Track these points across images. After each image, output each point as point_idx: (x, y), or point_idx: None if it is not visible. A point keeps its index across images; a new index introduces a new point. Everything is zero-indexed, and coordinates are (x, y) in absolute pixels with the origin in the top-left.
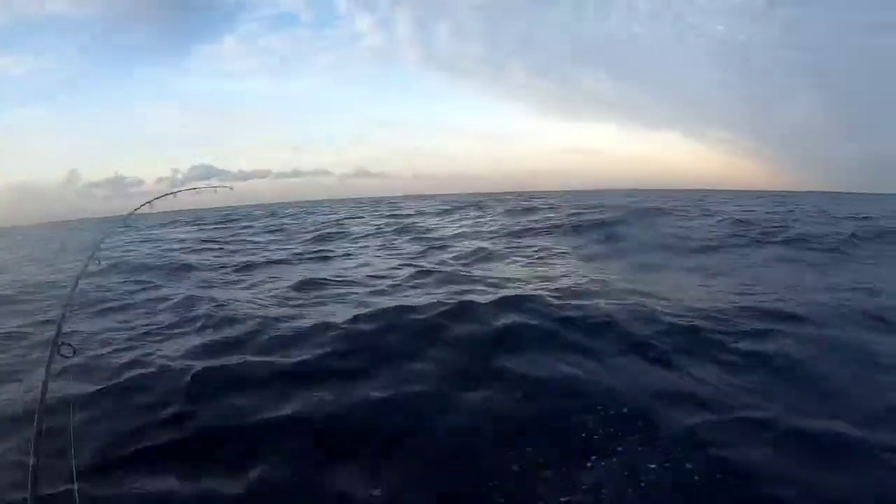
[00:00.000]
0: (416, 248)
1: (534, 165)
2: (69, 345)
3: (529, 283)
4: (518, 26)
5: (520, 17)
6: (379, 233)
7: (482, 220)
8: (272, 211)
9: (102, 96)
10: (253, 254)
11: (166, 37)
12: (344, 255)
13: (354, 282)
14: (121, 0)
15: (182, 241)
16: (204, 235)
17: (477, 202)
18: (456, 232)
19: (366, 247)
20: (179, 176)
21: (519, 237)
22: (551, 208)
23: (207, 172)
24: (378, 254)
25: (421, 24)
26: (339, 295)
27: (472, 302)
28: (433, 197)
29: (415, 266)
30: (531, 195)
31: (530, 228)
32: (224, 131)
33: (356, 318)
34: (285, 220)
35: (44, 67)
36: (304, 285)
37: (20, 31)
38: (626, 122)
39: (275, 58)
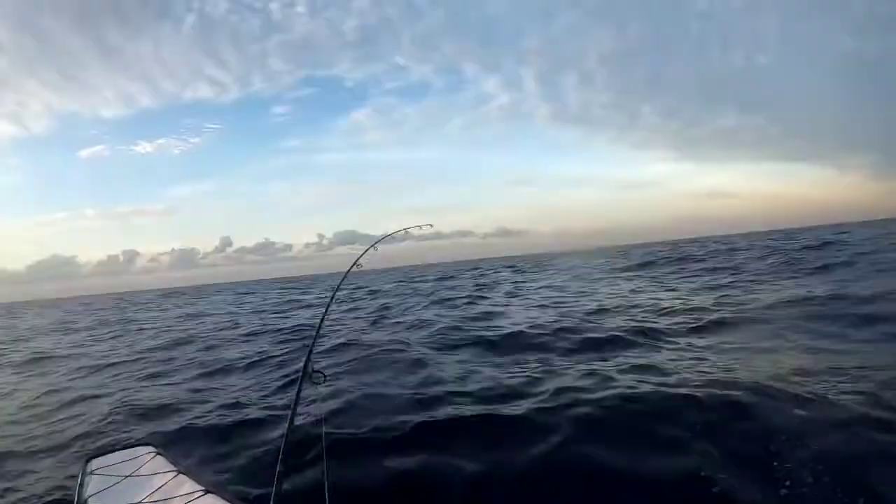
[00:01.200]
0: None
1: (674, 213)
2: (320, 373)
3: None
4: (644, 70)
5: (645, 62)
6: None
7: None
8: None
9: (247, 170)
10: None
11: (301, 116)
12: None
13: None
14: (255, 85)
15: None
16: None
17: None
18: None
19: None
20: (325, 241)
21: None
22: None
23: (351, 237)
24: None
25: (546, 78)
26: None
27: None
28: (589, 252)
29: None
30: (688, 243)
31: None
32: (364, 199)
33: None
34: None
35: (194, 147)
36: None
37: (174, 116)
38: (760, 160)
39: (407, 126)
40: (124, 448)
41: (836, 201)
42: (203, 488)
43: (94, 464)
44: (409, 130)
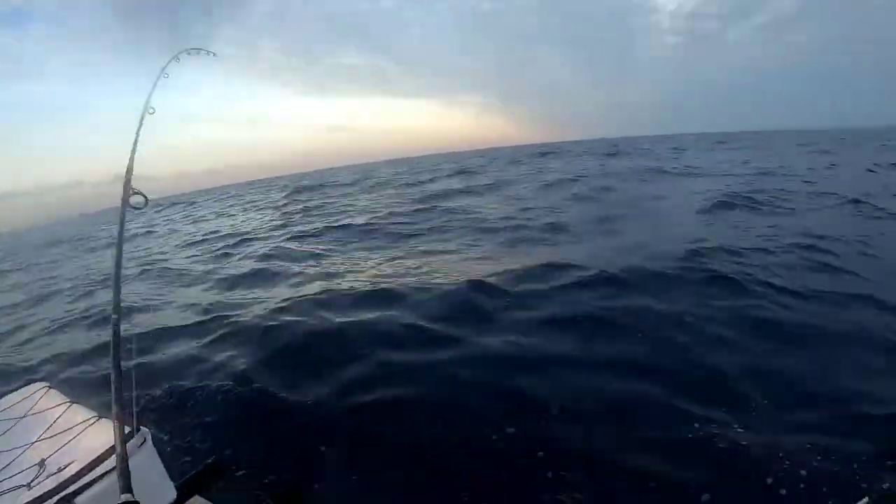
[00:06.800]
0: None
1: (304, 146)
2: None
3: None
4: (265, 4)
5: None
6: None
7: None
8: None
9: None
10: None
11: None
12: None
13: None
14: None
15: None
16: None
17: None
18: None
19: None
20: None
21: None
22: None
23: None
24: None
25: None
26: None
27: None
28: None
29: None
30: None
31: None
32: None
33: None
34: None
35: None
36: None
37: None
38: (383, 96)
39: None
40: (16, 389)
41: (451, 132)
42: (96, 414)
43: None
44: None
